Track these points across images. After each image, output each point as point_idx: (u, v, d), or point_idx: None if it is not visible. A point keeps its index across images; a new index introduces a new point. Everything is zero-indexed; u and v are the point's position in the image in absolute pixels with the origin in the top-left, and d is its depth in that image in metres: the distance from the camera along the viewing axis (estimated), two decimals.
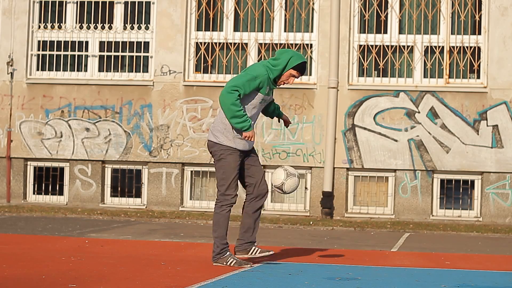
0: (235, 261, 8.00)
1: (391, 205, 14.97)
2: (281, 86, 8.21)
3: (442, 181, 14.91)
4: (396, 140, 14.79)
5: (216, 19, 15.45)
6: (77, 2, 15.79)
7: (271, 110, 8.48)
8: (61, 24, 15.84)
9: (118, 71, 15.69)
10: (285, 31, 15.28)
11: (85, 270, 7.47)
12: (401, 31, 15.05)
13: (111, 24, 15.69)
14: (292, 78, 8.13)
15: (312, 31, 15.20)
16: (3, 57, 15.76)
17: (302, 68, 8.10)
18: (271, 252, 8.24)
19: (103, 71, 15.73)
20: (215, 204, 8.07)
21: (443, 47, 14.92)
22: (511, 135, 14.56)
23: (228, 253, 8.03)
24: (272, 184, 8.23)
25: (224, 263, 7.99)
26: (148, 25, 15.55)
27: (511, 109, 14.57)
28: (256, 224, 8.19)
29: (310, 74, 15.15)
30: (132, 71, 15.62)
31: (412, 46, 14.97)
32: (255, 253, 8.14)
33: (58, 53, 15.82)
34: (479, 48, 14.84)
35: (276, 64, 8.04)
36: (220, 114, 8.05)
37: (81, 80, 15.65)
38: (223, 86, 8.07)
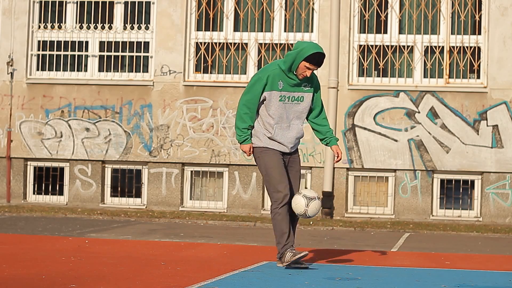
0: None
1: (391, 205, 14.97)
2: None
3: (442, 181, 14.91)
4: (396, 140, 14.79)
5: (216, 19, 15.45)
6: (77, 2, 15.79)
7: (316, 120, 8.07)
8: (61, 24, 15.85)
9: (118, 71, 15.69)
10: (285, 31, 15.27)
11: (85, 270, 7.47)
12: (401, 31, 15.05)
13: (111, 24, 15.68)
14: (308, 70, 7.76)
15: (312, 31, 15.20)
16: (3, 57, 15.75)
17: (314, 59, 7.69)
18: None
19: (103, 71, 15.73)
20: None
21: (443, 47, 14.92)
22: (511, 135, 14.56)
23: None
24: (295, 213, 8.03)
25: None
26: (148, 25, 15.55)
27: (511, 109, 14.57)
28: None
29: None
30: (132, 71, 15.62)
31: (412, 46, 14.97)
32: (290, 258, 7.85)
33: (58, 53, 15.82)
34: (479, 48, 14.84)
35: (289, 54, 7.78)
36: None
37: (81, 80, 15.65)
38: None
